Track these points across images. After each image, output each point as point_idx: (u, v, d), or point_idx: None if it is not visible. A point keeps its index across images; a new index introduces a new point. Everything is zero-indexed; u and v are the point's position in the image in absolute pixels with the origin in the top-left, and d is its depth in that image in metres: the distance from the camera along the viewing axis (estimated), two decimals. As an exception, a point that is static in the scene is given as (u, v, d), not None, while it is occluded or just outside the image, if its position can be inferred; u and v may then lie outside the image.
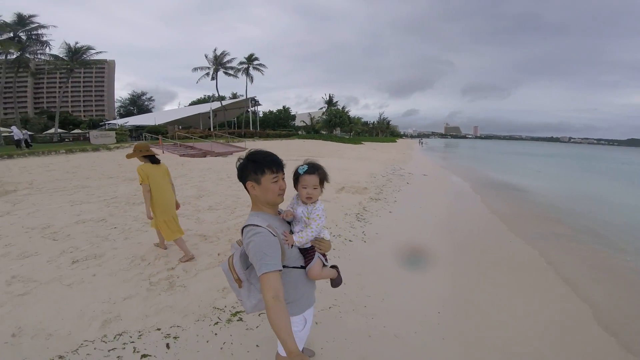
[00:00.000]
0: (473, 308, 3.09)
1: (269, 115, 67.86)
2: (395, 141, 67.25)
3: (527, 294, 3.50)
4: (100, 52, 29.44)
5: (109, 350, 2.24)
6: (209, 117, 38.93)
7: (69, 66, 28.76)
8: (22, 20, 25.17)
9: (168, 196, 3.72)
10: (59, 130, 30.85)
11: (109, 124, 45.17)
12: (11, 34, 24.35)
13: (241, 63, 40.96)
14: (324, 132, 51.89)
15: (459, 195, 9.18)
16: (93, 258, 3.83)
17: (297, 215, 1.53)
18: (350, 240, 4.71)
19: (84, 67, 31.07)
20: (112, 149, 19.57)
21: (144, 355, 2.20)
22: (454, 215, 6.79)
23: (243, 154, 1.44)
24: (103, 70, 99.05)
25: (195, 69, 38.25)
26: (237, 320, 2.63)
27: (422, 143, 62.81)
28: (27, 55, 26.38)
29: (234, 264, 1.44)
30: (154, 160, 3.68)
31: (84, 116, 67.98)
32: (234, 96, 55.14)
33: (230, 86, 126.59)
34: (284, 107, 71.58)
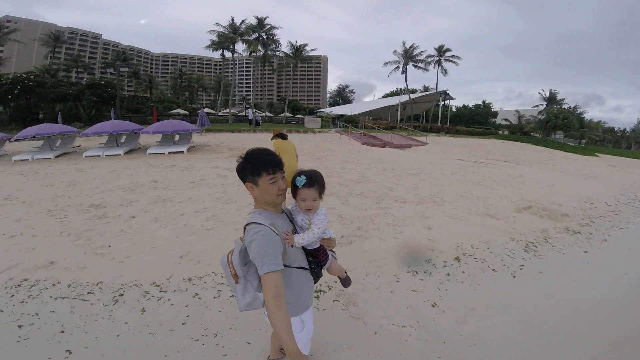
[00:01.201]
0: None
1: (463, 110, 61.57)
2: (659, 159, 44.81)
3: None
4: (314, 49, 36.13)
5: (206, 282, 3.00)
6: (397, 110, 39.92)
7: (294, 62, 36.91)
8: (261, 23, 33.58)
9: (290, 163, 4.92)
10: (287, 115, 40.93)
11: (320, 111, 55.42)
12: (256, 35, 33.16)
13: (429, 56, 39.03)
14: (537, 135, 41.48)
15: None
16: (260, 213, 5.07)
17: (297, 223, 1.52)
18: (494, 270, 3.75)
19: (306, 63, 39.04)
20: (316, 133, 24.13)
21: (215, 296, 2.82)
22: None
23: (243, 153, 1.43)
24: (319, 65, 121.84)
25: (387, 63, 39.46)
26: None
27: None
28: (269, 52, 35.43)
29: (233, 259, 1.45)
30: (283, 137, 5.16)
31: (306, 104, 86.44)
32: (425, 89, 53.49)
33: (422, 79, 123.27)
34: (483, 102, 62.74)
